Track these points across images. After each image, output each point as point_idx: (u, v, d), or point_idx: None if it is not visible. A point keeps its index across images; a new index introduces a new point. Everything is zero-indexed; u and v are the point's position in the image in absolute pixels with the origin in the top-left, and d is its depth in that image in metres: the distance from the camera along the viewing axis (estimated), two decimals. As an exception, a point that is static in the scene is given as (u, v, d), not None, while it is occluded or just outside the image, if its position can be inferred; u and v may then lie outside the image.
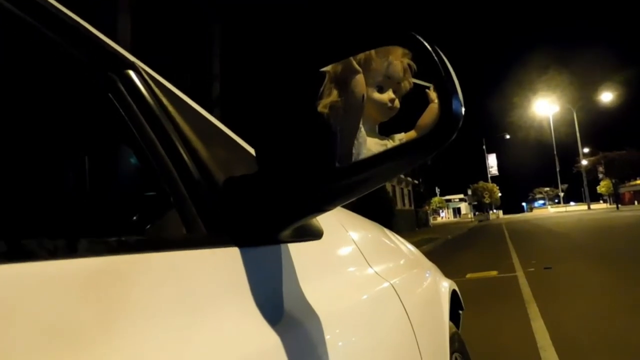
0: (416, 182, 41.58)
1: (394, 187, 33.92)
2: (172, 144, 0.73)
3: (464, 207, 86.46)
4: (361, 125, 1.15)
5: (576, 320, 4.83)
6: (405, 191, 37.91)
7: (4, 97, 0.67)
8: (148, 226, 0.69)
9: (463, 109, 0.57)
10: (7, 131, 0.66)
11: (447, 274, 2.16)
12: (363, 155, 1.19)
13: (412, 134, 1.30)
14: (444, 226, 42.13)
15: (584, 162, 62.70)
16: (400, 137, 1.31)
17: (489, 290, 7.23)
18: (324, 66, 0.82)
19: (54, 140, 0.70)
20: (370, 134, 1.22)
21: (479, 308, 5.54)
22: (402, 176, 36.38)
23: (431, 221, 50.25)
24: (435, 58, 0.59)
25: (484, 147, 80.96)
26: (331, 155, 1.09)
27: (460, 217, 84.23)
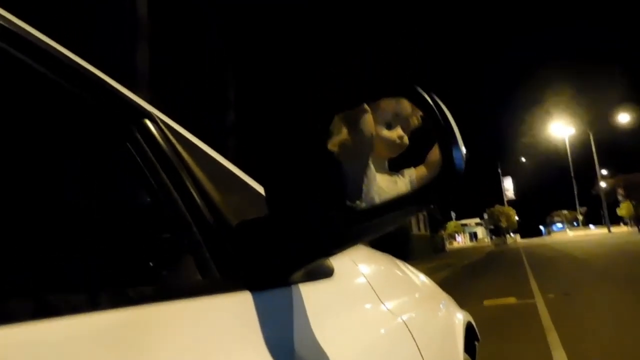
0: (432, 206, 41.29)
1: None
2: (187, 190, 0.76)
3: (480, 231, 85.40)
4: (370, 163, 1.18)
5: (599, 350, 4.70)
6: (421, 216, 37.59)
7: (24, 148, 0.71)
8: (164, 271, 0.72)
9: (464, 163, 0.59)
10: (26, 181, 0.69)
11: (464, 300, 2.14)
12: (373, 193, 1.21)
13: (421, 169, 1.32)
14: (461, 251, 41.57)
15: (603, 184, 61.76)
16: (410, 173, 1.33)
17: (507, 317, 7.08)
18: (331, 113, 0.85)
19: (74, 190, 0.73)
20: (380, 170, 1.25)
21: (497, 336, 5.43)
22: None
23: (447, 246, 49.65)
24: (436, 110, 0.62)
25: (499, 170, 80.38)
26: (340, 195, 1.12)
27: (476, 241, 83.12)
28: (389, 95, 0.85)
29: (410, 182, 1.30)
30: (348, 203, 1.21)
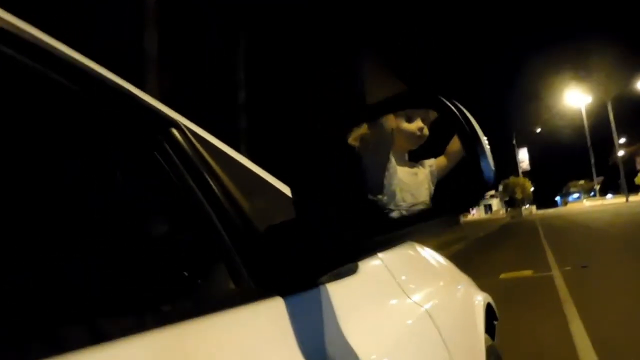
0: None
1: (422, 185, 33.59)
2: (216, 198, 0.78)
3: (495, 203, 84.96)
4: (391, 156, 1.18)
5: (617, 322, 4.70)
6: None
7: (55, 159, 0.73)
8: (199, 280, 0.74)
9: (493, 172, 0.60)
10: (58, 192, 0.71)
11: (480, 274, 2.16)
12: (394, 186, 1.22)
13: (442, 159, 1.32)
14: (475, 223, 41.49)
15: (621, 152, 60.76)
16: (430, 163, 1.33)
17: (524, 290, 7.10)
18: (358, 124, 0.85)
19: (104, 201, 0.75)
20: (401, 162, 1.25)
21: (514, 309, 5.46)
22: (431, 174, 35.99)
23: (462, 218, 49.56)
24: (462, 120, 0.62)
25: (514, 141, 79.38)
26: (362, 190, 1.13)
27: (491, 213, 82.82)
28: (416, 107, 0.85)
29: (431, 172, 1.30)
30: (370, 197, 1.23)
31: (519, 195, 68.17)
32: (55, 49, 0.68)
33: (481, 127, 0.64)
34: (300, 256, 0.74)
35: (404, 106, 0.84)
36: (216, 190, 0.78)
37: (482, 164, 0.60)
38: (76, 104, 0.72)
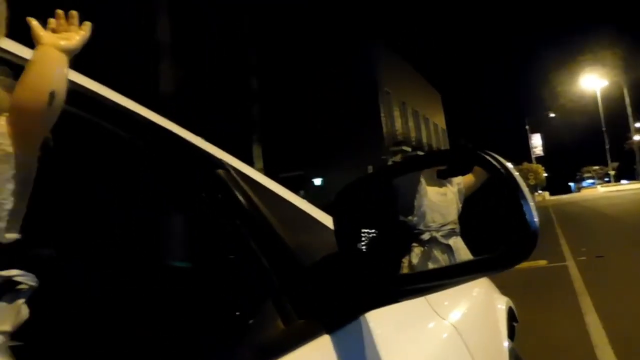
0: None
1: (434, 172, 33.46)
2: (262, 236, 0.81)
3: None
4: (422, 178, 1.22)
5: (634, 315, 4.70)
6: (447, 176, 37.30)
7: (115, 201, 0.76)
8: (251, 320, 0.78)
9: (537, 220, 0.62)
10: (119, 233, 0.75)
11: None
12: (424, 207, 1.25)
13: (469, 177, 1.34)
14: (488, 210, 41.11)
15: (637, 137, 59.83)
16: (458, 181, 1.35)
17: (538, 281, 7.09)
18: (401, 175, 0.88)
19: (156, 242, 0.79)
20: (430, 182, 1.28)
21: (528, 301, 5.46)
22: (443, 160, 35.85)
23: (474, 205, 49.11)
24: (503, 172, 0.64)
25: (527, 127, 78.46)
26: (395, 213, 1.15)
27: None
28: (457, 163, 0.88)
29: (459, 191, 1.33)
30: (401, 218, 1.26)
31: (532, 182, 67.56)
32: (113, 101, 0.72)
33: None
34: (344, 294, 0.78)
35: (445, 162, 0.87)
36: (261, 227, 0.82)
37: (526, 212, 0.62)
38: (133, 150, 0.75)
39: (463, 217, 1.29)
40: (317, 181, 23.93)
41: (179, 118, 0.83)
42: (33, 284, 0.54)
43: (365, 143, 24.26)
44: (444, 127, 42.75)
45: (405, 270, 1.21)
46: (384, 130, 26.26)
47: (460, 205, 1.32)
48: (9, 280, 0.52)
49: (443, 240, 1.25)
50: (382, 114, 26.38)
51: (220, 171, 0.82)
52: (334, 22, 24.98)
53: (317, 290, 0.79)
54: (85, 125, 0.69)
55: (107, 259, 0.77)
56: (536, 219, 0.62)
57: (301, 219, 0.92)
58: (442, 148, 37.33)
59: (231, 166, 0.84)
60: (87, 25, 0.64)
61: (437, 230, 1.25)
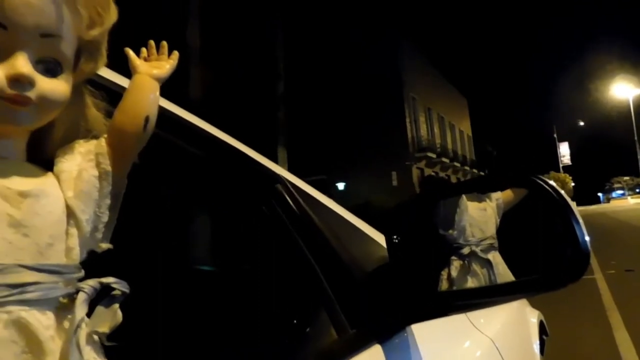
0: (482, 173, 40.39)
1: (459, 179, 33.13)
2: (317, 248, 0.86)
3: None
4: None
5: (665, 333, 4.59)
6: (471, 183, 36.91)
7: (176, 214, 0.82)
8: (308, 329, 0.83)
9: (589, 243, 0.65)
10: (178, 246, 0.81)
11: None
12: (464, 222, 1.28)
13: (508, 192, 1.37)
14: (513, 219, 40.51)
15: (669, 148, 58.06)
16: (496, 197, 1.38)
17: (565, 294, 6.89)
18: (450, 197, 0.92)
19: (219, 253, 0.85)
20: (470, 196, 1.31)
21: (556, 315, 5.37)
22: (467, 167, 35.47)
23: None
24: (555, 195, 0.68)
25: (555, 135, 77.00)
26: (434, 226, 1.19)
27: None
28: (506, 187, 0.92)
29: (497, 206, 1.35)
30: (441, 232, 1.29)
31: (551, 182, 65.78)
32: (180, 116, 0.78)
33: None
34: (395, 306, 0.82)
35: (497, 188, 0.90)
36: (316, 239, 0.87)
37: (578, 234, 0.65)
38: (198, 166, 0.81)
39: (501, 232, 1.32)
40: (341, 185, 23.95)
41: (206, 120, 0.87)
42: (126, 290, 0.60)
43: (389, 148, 24.20)
44: (470, 133, 42.31)
45: (444, 282, 1.25)
46: (409, 136, 26.14)
47: (499, 220, 1.35)
48: (106, 287, 0.58)
49: (482, 255, 1.27)
50: (407, 120, 26.27)
51: (279, 186, 0.87)
52: (361, 25, 25.04)
53: (368, 302, 0.83)
54: (157, 140, 0.75)
55: (170, 266, 0.83)
56: (588, 242, 0.65)
57: (351, 231, 0.97)
58: (468, 156, 36.97)
59: (289, 181, 0.89)
60: (175, 54, 0.70)
61: (477, 245, 1.28)
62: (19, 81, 0.52)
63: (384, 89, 24.91)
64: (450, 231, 1.27)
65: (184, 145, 0.78)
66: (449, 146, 33.36)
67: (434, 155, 27.66)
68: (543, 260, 0.77)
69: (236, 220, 0.89)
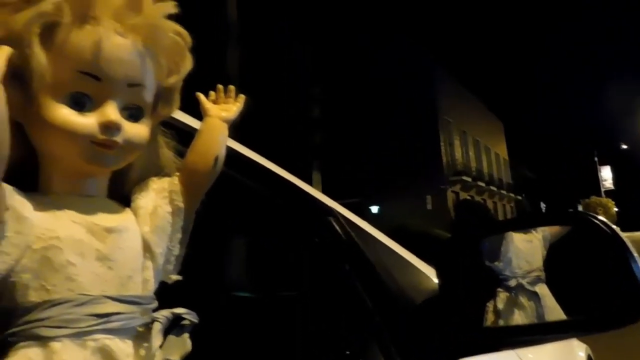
0: (519, 197, 39.39)
1: (495, 203, 32.45)
2: (367, 279, 0.88)
3: (574, 223, 79.45)
4: None
5: None
6: (508, 207, 36.07)
7: (237, 245, 0.86)
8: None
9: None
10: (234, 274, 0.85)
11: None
12: (510, 254, 1.28)
13: (556, 228, 1.36)
14: (552, 245, 39.19)
15: None
16: (543, 228, 1.37)
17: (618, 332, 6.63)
18: (501, 233, 0.93)
19: (272, 283, 0.88)
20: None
21: (605, 350, 5.14)
22: (503, 191, 34.69)
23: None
24: (609, 231, 0.68)
25: (596, 158, 74.62)
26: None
27: (570, 234, 77.52)
28: (559, 223, 0.93)
29: (544, 237, 1.34)
30: (487, 263, 1.29)
31: (601, 216, 63.51)
32: (237, 151, 0.82)
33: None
34: (446, 340, 0.83)
35: (549, 223, 0.92)
36: (367, 270, 0.89)
37: (636, 273, 0.65)
38: (256, 199, 0.85)
39: (547, 264, 1.31)
40: (374, 209, 23.81)
41: (242, 142, 0.89)
42: (195, 320, 0.63)
43: (424, 172, 23.98)
44: (506, 157, 41.51)
45: (490, 314, 1.24)
46: (444, 159, 25.87)
47: (545, 252, 1.33)
48: (177, 317, 0.62)
49: (529, 287, 1.26)
50: (441, 143, 26.05)
51: (331, 218, 0.90)
52: (395, 50, 25.19)
53: (418, 334, 0.84)
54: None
55: (229, 294, 0.86)
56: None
57: (400, 263, 0.98)
58: (504, 179, 36.20)
59: (340, 213, 0.92)
60: (242, 97, 0.76)
61: (523, 277, 1.27)
62: (109, 128, 0.58)
63: (418, 112, 24.84)
64: (497, 263, 1.26)
65: (239, 178, 0.82)
66: (485, 170, 32.78)
67: (469, 179, 27.22)
68: (596, 296, 0.77)
69: (288, 250, 0.92)
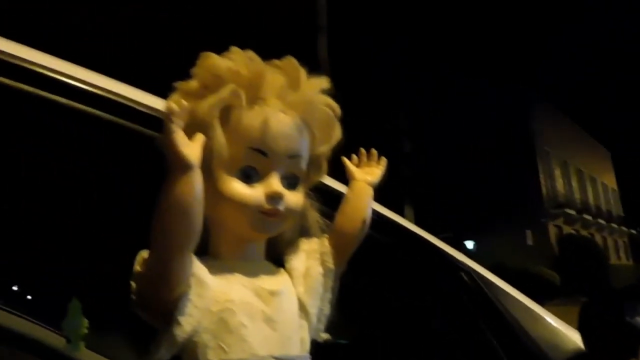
0: (633, 231, 35.81)
1: (604, 238, 29.76)
2: (502, 335, 0.86)
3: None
4: None
5: None
6: (620, 242, 32.89)
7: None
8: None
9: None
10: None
11: None
12: None
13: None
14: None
15: None
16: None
17: None
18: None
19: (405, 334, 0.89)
20: None
21: None
22: (614, 224, 31.72)
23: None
24: None
25: None
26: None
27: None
28: None
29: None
30: (627, 319, 1.20)
31: None
32: (378, 212, 0.85)
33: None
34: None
35: None
36: (502, 329, 0.87)
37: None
38: (389, 254, 0.87)
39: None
40: (469, 244, 22.83)
41: (332, 177, 0.89)
42: None
43: (522, 205, 22.67)
44: (615, 187, 38.17)
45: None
46: (544, 191, 24.34)
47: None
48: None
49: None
50: (540, 174, 24.58)
51: (463, 274, 0.90)
52: (490, 78, 24.47)
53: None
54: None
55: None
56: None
57: (536, 321, 0.95)
58: (614, 212, 33.23)
59: (472, 269, 0.91)
60: (384, 160, 0.79)
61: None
62: (274, 198, 0.63)
63: (514, 142, 23.75)
64: (638, 318, 1.16)
65: (375, 235, 0.85)
66: (591, 201, 30.33)
67: (573, 212, 25.31)
68: None
69: (421, 305, 0.93)
